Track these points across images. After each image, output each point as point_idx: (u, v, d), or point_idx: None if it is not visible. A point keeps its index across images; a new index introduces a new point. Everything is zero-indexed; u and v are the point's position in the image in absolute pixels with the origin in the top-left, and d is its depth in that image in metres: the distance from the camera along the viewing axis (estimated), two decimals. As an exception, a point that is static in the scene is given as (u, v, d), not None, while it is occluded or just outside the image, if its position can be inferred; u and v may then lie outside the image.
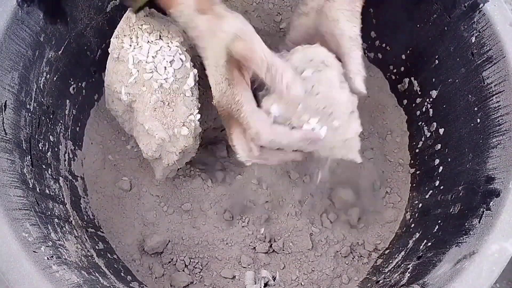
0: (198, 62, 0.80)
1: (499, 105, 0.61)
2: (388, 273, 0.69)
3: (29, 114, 0.63)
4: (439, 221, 0.67)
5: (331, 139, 0.58)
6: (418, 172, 0.79)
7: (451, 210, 0.65)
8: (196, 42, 0.58)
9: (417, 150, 0.80)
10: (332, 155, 0.60)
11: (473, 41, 0.65)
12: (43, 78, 0.66)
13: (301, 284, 0.74)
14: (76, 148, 0.77)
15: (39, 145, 0.65)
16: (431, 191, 0.73)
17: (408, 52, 0.79)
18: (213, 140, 0.82)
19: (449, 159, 0.71)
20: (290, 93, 0.53)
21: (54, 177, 0.68)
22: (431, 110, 0.76)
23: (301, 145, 0.57)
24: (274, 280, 0.71)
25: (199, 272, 0.74)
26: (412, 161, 0.82)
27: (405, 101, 0.84)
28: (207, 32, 0.55)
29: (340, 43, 0.60)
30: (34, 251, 0.52)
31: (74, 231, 0.66)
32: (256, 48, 0.52)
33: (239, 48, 0.53)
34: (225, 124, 0.61)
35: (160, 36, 0.65)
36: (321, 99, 0.56)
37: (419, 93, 0.79)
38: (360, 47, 0.60)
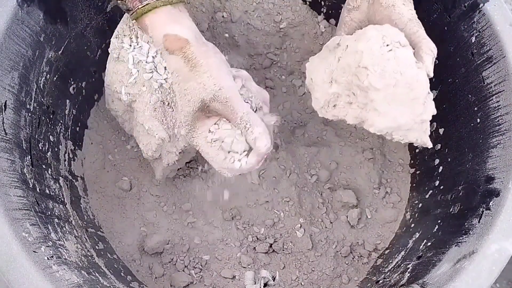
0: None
1: (499, 105, 0.61)
2: (388, 273, 0.69)
3: (29, 114, 0.63)
4: (439, 221, 0.67)
5: (410, 121, 0.56)
6: (418, 172, 0.79)
7: (451, 210, 0.65)
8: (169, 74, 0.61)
9: (417, 150, 0.80)
10: (405, 138, 0.58)
11: (473, 41, 0.65)
12: (43, 78, 0.66)
13: (301, 284, 0.74)
14: (76, 148, 0.77)
15: (39, 145, 0.65)
16: (431, 191, 0.73)
17: (408, 52, 0.79)
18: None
19: (449, 159, 0.71)
20: (257, 145, 0.56)
21: (54, 177, 0.68)
22: (431, 110, 0.76)
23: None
24: (274, 280, 0.71)
25: (199, 272, 0.74)
26: (412, 161, 0.82)
27: (405, 101, 0.84)
28: (177, 76, 0.58)
29: (401, 27, 0.59)
30: (34, 251, 0.52)
31: (74, 231, 0.66)
32: (235, 109, 0.56)
33: (217, 107, 0.56)
34: None
35: (160, 36, 0.65)
36: (401, 79, 0.55)
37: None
38: (421, 26, 0.59)
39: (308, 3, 0.85)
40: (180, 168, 0.77)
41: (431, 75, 0.57)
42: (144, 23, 0.59)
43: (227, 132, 0.58)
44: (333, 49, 0.61)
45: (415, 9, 0.72)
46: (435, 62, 0.72)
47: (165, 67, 0.64)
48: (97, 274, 0.62)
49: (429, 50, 0.57)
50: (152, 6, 0.57)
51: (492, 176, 0.59)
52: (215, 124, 0.59)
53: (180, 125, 0.60)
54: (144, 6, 0.57)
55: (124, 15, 0.65)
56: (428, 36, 0.58)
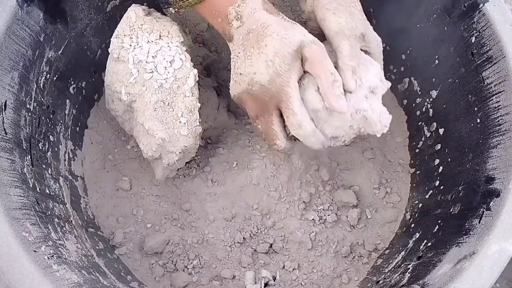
0: (198, 62, 0.80)
1: (499, 105, 0.61)
2: (388, 273, 0.69)
3: (29, 114, 0.63)
4: (439, 221, 0.67)
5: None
6: (418, 172, 0.79)
7: (451, 210, 0.65)
8: (248, 33, 0.59)
9: (417, 150, 0.80)
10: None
11: (473, 41, 0.65)
12: (43, 78, 0.66)
13: (301, 284, 0.74)
14: (76, 148, 0.77)
15: (39, 144, 0.65)
16: (431, 191, 0.73)
17: (408, 52, 0.80)
18: (213, 139, 0.82)
19: (449, 159, 0.71)
20: (337, 104, 0.57)
21: (54, 176, 0.68)
22: (431, 110, 0.77)
23: (318, 146, 0.62)
24: (274, 280, 0.71)
25: (199, 272, 0.74)
26: (412, 161, 0.82)
27: (405, 101, 0.84)
28: (276, 27, 0.58)
29: (330, 41, 0.62)
30: (34, 251, 0.52)
31: (74, 230, 0.66)
32: (328, 59, 0.57)
33: (314, 50, 0.57)
34: (260, 108, 0.62)
35: (160, 36, 0.65)
36: None
37: (419, 93, 0.79)
38: (348, 36, 0.61)
39: (308, 3, 0.85)
40: (180, 168, 0.77)
41: (352, 90, 0.59)
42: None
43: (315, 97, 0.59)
44: None
45: (415, 9, 0.73)
46: (434, 62, 0.73)
47: (165, 67, 0.64)
48: (97, 274, 0.62)
49: (345, 65, 0.59)
50: None
51: (493, 176, 0.59)
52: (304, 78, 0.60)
53: (275, 65, 0.58)
54: None
55: (124, 15, 0.66)
56: (348, 49, 0.60)
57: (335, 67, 0.60)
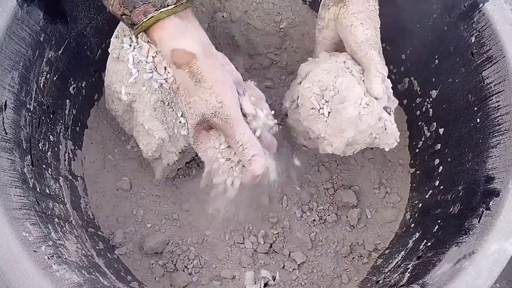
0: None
1: (499, 105, 0.61)
2: (388, 273, 0.69)
3: (29, 114, 0.63)
4: (439, 221, 0.67)
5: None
6: (418, 172, 0.79)
7: (451, 210, 0.65)
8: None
9: (417, 150, 0.80)
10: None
11: (473, 41, 0.65)
12: (43, 78, 0.66)
13: (301, 284, 0.74)
14: (76, 148, 0.77)
15: (39, 144, 0.65)
16: (431, 191, 0.73)
17: (408, 52, 0.79)
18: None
19: (449, 159, 0.71)
20: (251, 167, 0.57)
21: (54, 176, 0.68)
22: (431, 110, 0.77)
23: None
24: (274, 280, 0.71)
25: (199, 272, 0.74)
26: (412, 161, 0.82)
27: (405, 101, 0.84)
28: (183, 89, 0.59)
29: (354, 48, 0.62)
30: (34, 251, 0.52)
31: (74, 230, 0.66)
32: (234, 127, 0.56)
33: (215, 123, 0.57)
34: None
35: (160, 36, 0.65)
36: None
37: (419, 93, 0.79)
38: (374, 47, 0.61)
39: (308, 3, 0.85)
40: (180, 168, 0.77)
41: (380, 96, 0.60)
42: (152, 38, 0.59)
43: (225, 152, 0.60)
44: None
45: (415, 9, 0.73)
46: (434, 62, 0.73)
47: (165, 67, 0.64)
48: (97, 274, 0.62)
49: (377, 72, 0.60)
50: (156, 18, 0.56)
51: (492, 176, 0.59)
52: (217, 138, 0.60)
53: (189, 135, 0.62)
54: (148, 19, 0.56)
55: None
56: (377, 57, 0.61)
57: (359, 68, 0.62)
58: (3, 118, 0.58)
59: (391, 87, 0.64)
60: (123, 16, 0.58)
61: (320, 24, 0.67)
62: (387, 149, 0.64)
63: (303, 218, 0.76)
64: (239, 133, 0.56)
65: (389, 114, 0.63)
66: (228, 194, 0.61)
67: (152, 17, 0.56)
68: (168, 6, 0.56)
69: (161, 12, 0.56)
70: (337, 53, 0.66)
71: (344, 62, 0.63)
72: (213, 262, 0.75)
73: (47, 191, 0.64)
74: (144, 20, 0.56)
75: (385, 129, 0.62)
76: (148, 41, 0.64)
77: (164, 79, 0.63)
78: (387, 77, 0.63)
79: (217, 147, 0.60)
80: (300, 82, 0.65)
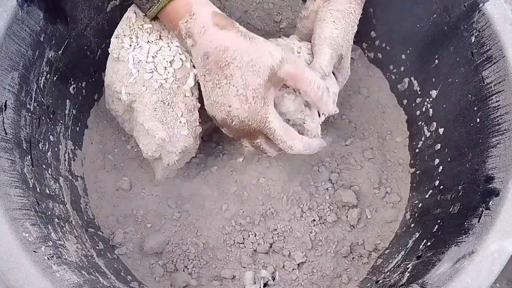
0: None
1: (499, 105, 0.61)
2: (388, 273, 0.69)
3: (29, 114, 0.63)
4: (439, 221, 0.67)
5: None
6: (418, 172, 0.79)
7: (450, 210, 0.65)
8: (207, 57, 0.57)
9: (417, 150, 0.80)
10: None
11: (473, 40, 0.65)
12: (43, 78, 0.66)
13: (301, 284, 0.74)
14: (76, 148, 0.77)
15: (39, 145, 0.65)
16: (431, 191, 0.73)
17: (408, 52, 0.80)
18: (213, 139, 0.82)
19: (449, 159, 0.71)
20: (327, 109, 0.61)
21: (54, 177, 0.68)
22: (431, 110, 0.77)
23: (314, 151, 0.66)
24: (273, 280, 0.71)
25: (199, 272, 0.74)
26: (412, 161, 0.82)
27: (405, 101, 0.84)
28: (236, 50, 0.55)
29: (315, 41, 0.63)
30: (34, 251, 0.52)
31: (74, 231, 0.66)
32: (306, 71, 0.57)
33: (289, 69, 0.56)
34: (243, 134, 0.63)
35: (160, 36, 0.65)
36: None
37: (419, 93, 0.79)
38: (333, 47, 0.62)
39: (308, 3, 0.85)
40: (180, 168, 0.77)
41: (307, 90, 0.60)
42: (180, 9, 0.57)
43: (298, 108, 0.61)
44: None
45: (415, 9, 0.73)
46: (434, 62, 0.73)
47: (165, 67, 0.64)
48: (97, 274, 0.62)
49: (320, 69, 0.61)
50: None
51: (492, 176, 0.59)
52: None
53: (248, 101, 0.57)
54: None
55: (124, 15, 0.66)
56: (328, 57, 0.62)
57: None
58: (3, 118, 0.58)
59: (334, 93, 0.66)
60: None
61: (303, 13, 0.69)
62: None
63: (303, 218, 0.76)
64: (310, 74, 0.57)
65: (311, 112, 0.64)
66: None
67: None
68: None
69: None
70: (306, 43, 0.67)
71: (300, 47, 0.64)
72: (213, 262, 0.75)
73: (47, 191, 0.64)
74: None
75: (303, 123, 0.63)
76: (148, 41, 0.64)
77: (164, 79, 0.63)
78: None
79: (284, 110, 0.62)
80: None
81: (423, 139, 0.79)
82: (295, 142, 0.61)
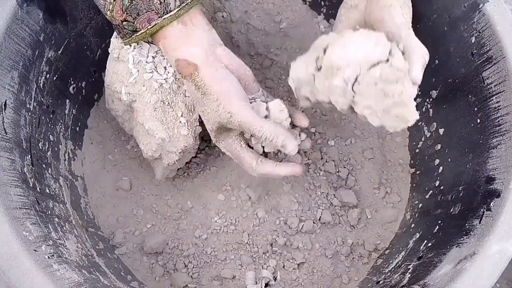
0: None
1: (499, 105, 0.61)
2: (389, 274, 0.69)
3: (29, 114, 0.63)
4: (439, 222, 0.67)
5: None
6: (418, 172, 0.79)
7: (451, 211, 0.65)
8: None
9: (417, 150, 0.80)
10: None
11: (473, 41, 0.65)
12: (43, 77, 0.66)
13: (301, 284, 0.74)
14: (76, 148, 0.77)
15: (39, 144, 0.65)
16: (431, 191, 0.73)
17: (408, 52, 0.79)
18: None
19: (449, 159, 0.71)
20: (287, 151, 0.60)
21: (54, 176, 0.68)
22: (431, 110, 0.77)
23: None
24: (275, 280, 0.71)
25: (199, 272, 0.74)
26: (412, 161, 0.82)
27: (405, 101, 0.84)
28: (194, 99, 0.62)
29: (393, 29, 0.58)
30: (34, 250, 0.52)
31: (75, 230, 0.66)
32: (252, 128, 0.58)
33: (235, 125, 0.58)
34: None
35: (160, 36, 0.65)
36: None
37: (419, 93, 0.79)
38: (413, 33, 0.58)
39: (308, 3, 0.85)
40: (180, 168, 0.77)
41: (418, 82, 0.55)
42: (158, 45, 0.61)
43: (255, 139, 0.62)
44: (319, 49, 0.58)
45: (415, 9, 0.73)
46: (434, 62, 0.73)
47: (165, 67, 0.64)
48: (97, 273, 0.62)
49: (421, 56, 0.56)
50: (160, 25, 0.57)
51: (493, 176, 0.59)
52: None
53: (212, 139, 0.65)
54: (152, 26, 0.57)
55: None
56: (419, 42, 0.57)
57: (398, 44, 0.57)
58: (3, 118, 0.58)
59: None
60: (124, 23, 0.58)
61: (349, 3, 0.65)
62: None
63: (303, 218, 0.76)
64: (259, 131, 0.57)
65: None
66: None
67: (155, 24, 0.57)
68: (170, 11, 0.56)
69: (164, 19, 0.57)
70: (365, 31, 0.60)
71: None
72: (213, 262, 0.75)
73: (47, 190, 0.64)
74: (149, 27, 0.57)
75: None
76: (149, 42, 0.64)
77: (164, 79, 0.63)
78: None
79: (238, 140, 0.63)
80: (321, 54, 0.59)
81: (423, 139, 0.79)
82: (251, 169, 0.63)
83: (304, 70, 0.58)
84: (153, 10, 0.56)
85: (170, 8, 0.56)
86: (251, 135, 0.61)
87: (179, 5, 0.57)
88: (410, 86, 0.54)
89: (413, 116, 0.55)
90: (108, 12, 0.58)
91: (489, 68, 0.63)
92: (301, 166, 0.64)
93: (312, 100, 0.60)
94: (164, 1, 0.56)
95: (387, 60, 0.53)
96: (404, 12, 0.59)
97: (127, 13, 0.57)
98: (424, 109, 0.78)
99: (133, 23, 0.57)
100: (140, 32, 0.58)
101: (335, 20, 0.68)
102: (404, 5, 0.60)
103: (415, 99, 0.79)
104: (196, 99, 0.61)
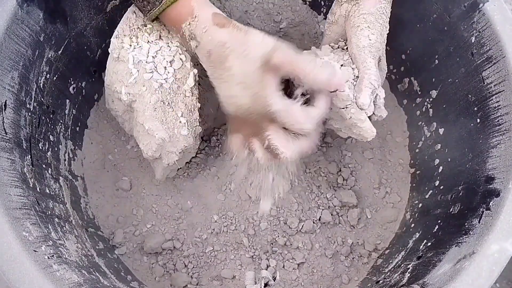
0: (198, 62, 0.80)
1: (499, 105, 0.61)
2: (388, 273, 0.69)
3: (29, 114, 0.63)
4: (439, 221, 0.67)
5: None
6: (418, 172, 0.79)
7: (451, 210, 0.65)
8: (209, 55, 0.59)
9: (417, 150, 0.80)
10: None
11: (473, 41, 0.65)
12: (43, 77, 0.66)
13: (301, 284, 0.74)
14: (76, 148, 0.77)
15: (39, 144, 0.65)
16: (431, 191, 0.73)
17: (408, 52, 0.80)
18: (213, 139, 0.82)
19: (449, 159, 0.71)
20: (332, 85, 0.57)
21: (54, 176, 0.68)
22: (431, 110, 0.77)
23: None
24: (274, 280, 0.71)
25: (199, 272, 0.74)
26: (412, 161, 0.82)
27: (405, 101, 0.84)
28: (232, 42, 0.57)
29: (354, 52, 0.62)
30: (34, 250, 0.52)
31: (75, 230, 0.66)
32: (297, 56, 0.56)
33: (281, 56, 0.56)
34: (255, 127, 0.61)
35: (160, 36, 0.65)
36: None
37: (419, 93, 0.79)
38: (374, 55, 0.61)
39: (308, 3, 0.85)
40: (180, 168, 0.77)
41: (364, 108, 0.60)
42: (188, 3, 0.59)
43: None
44: None
45: (415, 9, 0.73)
46: (434, 62, 0.73)
47: (165, 67, 0.64)
48: (97, 274, 0.62)
49: (369, 83, 0.60)
50: None
51: (492, 176, 0.59)
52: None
53: (249, 87, 0.58)
54: None
55: (124, 15, 0.65)
56: (373, 68, 0.60)
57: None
58: (3, 118, 0.58)
59: (383, 98, 0.64)
60: None
61: (330, 19, 0.67)
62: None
63: (303, 218, 0.76)
64: (304, 60, 0.56)
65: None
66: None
67: None
68: None
69: None
70: (339, 51, 0.67)
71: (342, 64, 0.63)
72: (213, 262, 0.75)
73: (47, 191, 0.64)
74: None
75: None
76: (148, 41, 0.64)
77: (164, 79, 0.63)
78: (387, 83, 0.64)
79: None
80: None
81: (423, 139, 0.79)
82: (301, 122, 0.58)
83: None
84: None
85: None
86: (293, 71, 0.57)
87: None
88: (358, 111, 0.61)
89: (369, 134, 0.64)
90: None
91: (489, 67, 0.63)
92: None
93: None
94: None
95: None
96: (371, 33, 0.61)
97: None
98: (424, 109, 0.78)
99: None
100: None
101: (323, 35, 0.72)
102: (374, 23, 0.62)
103: (415, 99, 0.80)
104: (236, 42, 0.57)
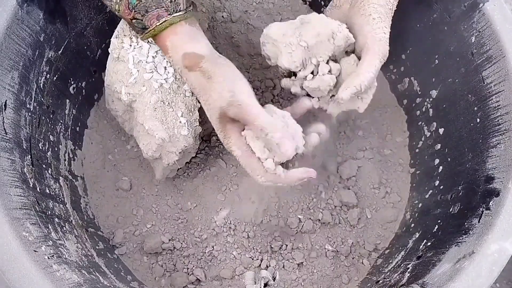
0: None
1: (499, 105, 0.61)
2: (388, 273, 0.69)
3: (29, 114, 0.63)
4: (439, 221, 0.67)
5: None
6: (418, 172, 0.79)
7: (450, 210, 0.65)
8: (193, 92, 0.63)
9: (417, 150, 0.80)
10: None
11: (473, 41, 0.65)
12: (43, 77, 0.66)
13: (301, 284, 0.74)
14: (76, 148, 0.77)
15: (39, 144, 0.65)
16: (431, 191, 0.73)
17: (408, 52, 0.80)
18: (212, 139, 0.82)
19: (449, 159, 0.71)
20: (281, 150, 0.57)
21: (54, 176, 0.68)
22: (431, 110, 0.77)
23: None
24: (274, 280, 0.71)
25: (199, 272, 0.74)
26: (412, 161, 0.82)
27: (405, 101, 0.84)
28: (198, 90, 0.60)
29: (367, 41, 0.59)
30: (34, 250, 0.52)
31: (74, 230, 0.66)
32: (250, 113, 0.56)
33: (233, 113, 0.57)
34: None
35: (160, 36, 0.65)
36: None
37: (419, 93, 0.79)
38: (381, 55, 0.59)
39: (308, 3, 0.85)
40: (180, 168, 0.77)
41: (342, 102, 0.59)
42: (164, 43, 0.61)
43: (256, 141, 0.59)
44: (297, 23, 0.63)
45: (415, 9, 0.73)
46: (434, 62, 0.73)
47: (165, 67, 0.64)
48: (97, 274, 0.62)
49: (359, 84, 0.57)
50: (170, 22, 0.58)
51: (492, 176, 0.59)
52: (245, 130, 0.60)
53: (216, 132, 0.62)
54: (161, 23, 0.58)
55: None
56: (374, 66, 0.58)
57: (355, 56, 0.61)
58: (3, 118, 0.58)
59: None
60: (134, 20, 0.59)
61: (335, 2, 0.66)
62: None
63: (303, 218, 0.76)
64: (257, 117, 0.56)
65: None
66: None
67: (165, 21, 0.58)
68: (180, 11, 0.58)
69: (174, 16, 0.58)
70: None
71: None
72: (213, 262, 0.75)
73: (47, 191, 0.64)
74: (157, 24, 0.58)
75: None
76: (148, 41, 0.64)
77: (164, 79, 0.63)
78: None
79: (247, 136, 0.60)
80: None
81: (423, 139, 0.79)
82: (256, 174, 0.59)
83: (278, 32, 0.61)
84: (163, 7, 0.57)
85: (180, 7, 0.58)
86: (248, 126, 0.58)
87: (188, 6, 0.59)
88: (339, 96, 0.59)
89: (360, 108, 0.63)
90: (117, 12, 0.60)
91: (489, 67, 0.63)
92: (313, 170, 0.61)
93: (272, 61, 0.63)
94: (175, 0, 0.58)
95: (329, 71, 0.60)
96: (385, 26, 0.60)
97: (135, 11, 0.58)
98: (424, 109, 0.78)
99: (142, 20, 0.59)
100: (149, 29, 0.59)
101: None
102: (385, 18, 0.60)
103: (415, 99, 0.80)
104: (200, 88, 0.60)
